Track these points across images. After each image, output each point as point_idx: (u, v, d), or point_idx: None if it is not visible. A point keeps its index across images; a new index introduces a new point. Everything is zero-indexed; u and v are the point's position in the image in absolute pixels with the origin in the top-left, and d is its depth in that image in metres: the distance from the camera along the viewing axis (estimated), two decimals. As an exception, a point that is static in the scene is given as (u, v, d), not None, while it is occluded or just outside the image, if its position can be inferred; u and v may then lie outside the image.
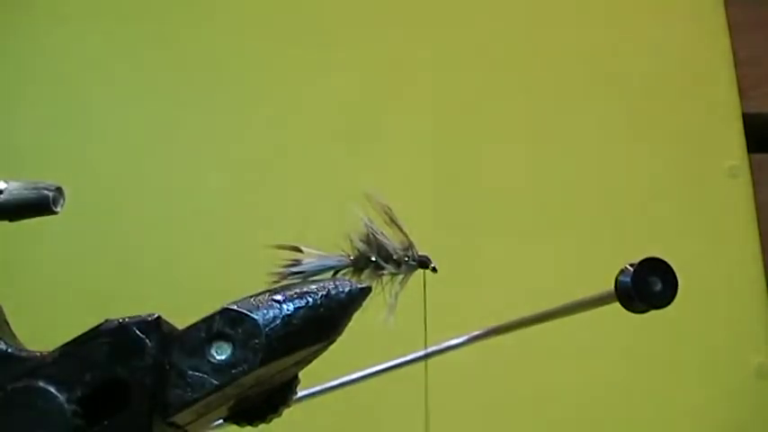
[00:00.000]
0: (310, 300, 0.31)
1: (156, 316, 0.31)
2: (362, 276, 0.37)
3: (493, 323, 0.54)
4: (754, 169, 1.00)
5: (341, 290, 0.32)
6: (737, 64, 1.03)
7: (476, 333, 0.53)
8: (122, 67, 0.97)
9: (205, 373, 0.30)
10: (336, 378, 0.55)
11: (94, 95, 0.96)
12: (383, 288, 0.37)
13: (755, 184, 1.00)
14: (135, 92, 0.97)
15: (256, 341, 0.30)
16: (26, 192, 0.35)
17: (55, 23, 0.98)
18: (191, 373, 0.30)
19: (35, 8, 0.97)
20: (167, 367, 0.30)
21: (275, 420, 0.34)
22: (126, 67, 0.97)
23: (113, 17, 0.98)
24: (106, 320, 0.31)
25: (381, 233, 0.37)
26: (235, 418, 0.33)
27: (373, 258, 0.37)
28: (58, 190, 0.35)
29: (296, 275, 0.37)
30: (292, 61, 0.99)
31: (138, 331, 0.30)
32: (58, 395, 0.29)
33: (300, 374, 0.34)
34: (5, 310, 0.35)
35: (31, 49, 0.96)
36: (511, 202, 0.97)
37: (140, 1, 1.00)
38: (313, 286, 0.32)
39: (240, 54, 0.99)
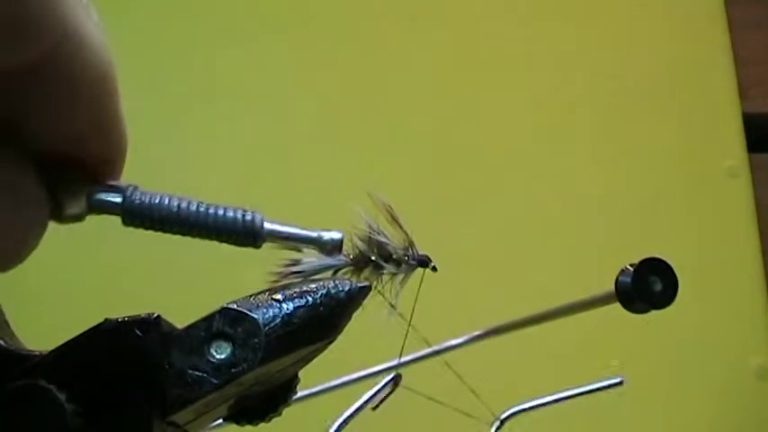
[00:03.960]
0: (310, 299, 0.31)
1: (155, 315, 0.30)
2: (362, 276, 0.37)
3: (493, 323, 0.54)
4: (754, 169, 1.01)
5: (341, 289, 0.32)
6: (737, 64, 1.04)
7: (476, 333, 0.53)
8: (121, 66, 0.97)
9: (205, 373, 0.30)
10: (336, 378, 0.55)
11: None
12: (383, 287, 0.37)
13: (755, 184, 1.00)
14: (133, 91, 0.96)
15: (256, 340, 0.30)
16: None
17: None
18: (190, 372, 0.30)
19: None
20: (167, 366, 0.30)
21: (275, 420, 0.34)
22: (124, 67, 0.97)
23: (112, 16, 0.98)
24: (106, 320, 0.31)
25: (381, 232, 0.37)
26: (235, 417, 0.33)
27: (373, 258, 0.37)
28: None
29: (296, 275, 0.37)
30: (293, 59, 0.99)
31: (137, 330, 0.30)
32: (59, 394, 0.29)
33: (300, 374, 0.34)
34: (5, 310, 0.35)
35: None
36: (510, 202, 0.97)
37: (142, 2, 1.00)
38: (313, 285, 0.32)
39: (240, 52, 0.99)
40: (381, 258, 0.37)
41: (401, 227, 0.38)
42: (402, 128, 0.98)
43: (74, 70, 0.27)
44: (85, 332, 0.30)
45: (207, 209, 0.31)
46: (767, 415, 0.93)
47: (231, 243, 0.31)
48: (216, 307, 0.31)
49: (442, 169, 0.97)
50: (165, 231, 0.31)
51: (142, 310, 0.31)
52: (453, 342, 0.56)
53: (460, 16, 1.04)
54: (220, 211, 0.31)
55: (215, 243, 0.34)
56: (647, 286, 0.40)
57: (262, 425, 0.33)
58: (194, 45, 0.99)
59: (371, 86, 0.99)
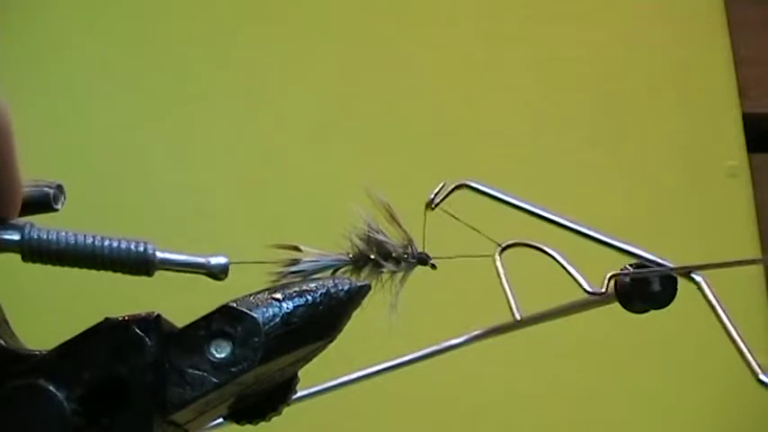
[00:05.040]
0: (310, 298, 0.31)
1: (155, 314, 0.31)
2: (362, 275, 0.37)
3: (493, 323, 0.54)
4: (754, 169, 1.01)
5: (340, 288, 0.32)
6: (737, 64, 1.04)
7: (476, 333, 0.53)
8: (121, 67, 0.97)
9: (205, 372, 0.30)
10: (336, 378, 0.55)
11: (95, 94, 0.96)
12: (383, 286, 0.37)
13: (755, 184, 1.00)
14: (134, 91, 0.97)
15: (256, 339, 0.30)
16: (27, 189, 0.35)
17: (54, 23, 0.98)
18: (190, 371, 0.30)
19: (34, 8, 0.97)
20: (167, 365, 0.30)
21: (275, 419, 0.34)
22: (125, 67, 0.97)
23: (113, 17, 0.99)
24: (106, 319, 0.31)
25: (380, 231, 0.37)
26: (235, 416, 0.33)
27: (372, 257, 0.37)
28: (59, 188, 0.35)
29: (295, 274, 0.37)
30: (292, 59, 0.99)
31: (137, 330, 0.30)
32: (58, 393, 0.29)
33: (300, 374, 0.34)
34: (5, 310, 0.35)
35: (29, 48, 0.96)
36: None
37: (140, 1, 1.00)
38: (312, 285, 0.32)
39: (240, 52, 0.99)
40: (381, 257, 0.37)
41: (400, 225, 0.38)
42: (401, 127, 0.98)
43: None
44: (86, 332, 0.31)
45: (102, 242, 0.33)
46: (767, 416, 0.93)
47: (126, 273, 0.33)
48: (216, 306, 0.31)
49: (441, 169, 0.97)
50: (62, 265, 0.32)
51: (142, 310, 0.31)
52: (453, 342, 0.56)
53: (460, 16, 1.04)
54: (114, 243, 0.33)
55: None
56: (646, 286, 0.40)
57: (262, 424, 0.34)
58: (197, 44, 0.99)
59: (371, 85, 0.99)
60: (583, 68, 1.03)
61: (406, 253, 0.38)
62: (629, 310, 0.42)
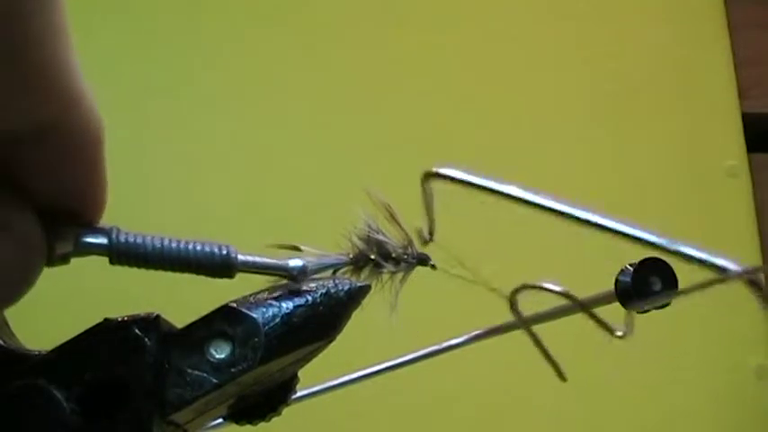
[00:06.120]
0: (310, 298, 0.31)
1: (155, 315, 0.31)
2: (362, 275, 0.37)
3: (493, 323, 0.54)
4: (754, 169, 1.01)
5: (340, 288, 0.32)
6: (737, 64, 1.04)
7: (476, 333, 0.53)
8: (122, 67, 0.97)
9: (204, 372, 0.30)
10: (336, 378, 0.55)
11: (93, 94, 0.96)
12: (383, 286, 0.37)
13: (755, 184, 1.00)
14: (134, 92, 0.97)
15: (256, 339, 0.30)
16: None
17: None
18: (190, 371, 0.30)
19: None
20: (167, 366, 0.30)
21: (275, 419, 0.34)
22: (125, 68, 0.97)
23: (115, 17, 0.99)
24: (106, 319, 0.31)
25: (380, 231, 0.37)
26: (235, 416, 0.33)
27: (372, 257, 0.37)
28: None
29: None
30: (294, 60, 0.99)
31: (137, 330, 0.30)
32: (57, 394, 0.29)
33: (300, 374, 0.34)
34: (5, 310, 0.35)
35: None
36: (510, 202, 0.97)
37: (140, 1, 1.00)
38: (312, 285, 0.32)
39: (241, 52, 0.99)
40: (381, 257, 0.37)
41: (400, 225, 0.38)
42: (402, 127, 0.98)
43: (74, 134, 0.29)
44: (85, 332, 0.31)
45: (186, 245, 0.33)
46: (767, 415, 0.93)
47: (208, 275, 0.33)
48: (215, 306, 0.31)
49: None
50: (148, 268, 0.32)
51: (142, 310, 0.31)
52: (453, 342, 0.56)
53: (461, 15, 1.04)
54: (198, 247, 0.33)
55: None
56: (647, 286, 0.40)
57: (262, 424, 0.34)
58: (197, 44, 0.99)
59: (371, 85, 0.99)
60: (583, 68, 1.03)
61: (406, 253, 0.38)
62: (629, 310, 0.42)
